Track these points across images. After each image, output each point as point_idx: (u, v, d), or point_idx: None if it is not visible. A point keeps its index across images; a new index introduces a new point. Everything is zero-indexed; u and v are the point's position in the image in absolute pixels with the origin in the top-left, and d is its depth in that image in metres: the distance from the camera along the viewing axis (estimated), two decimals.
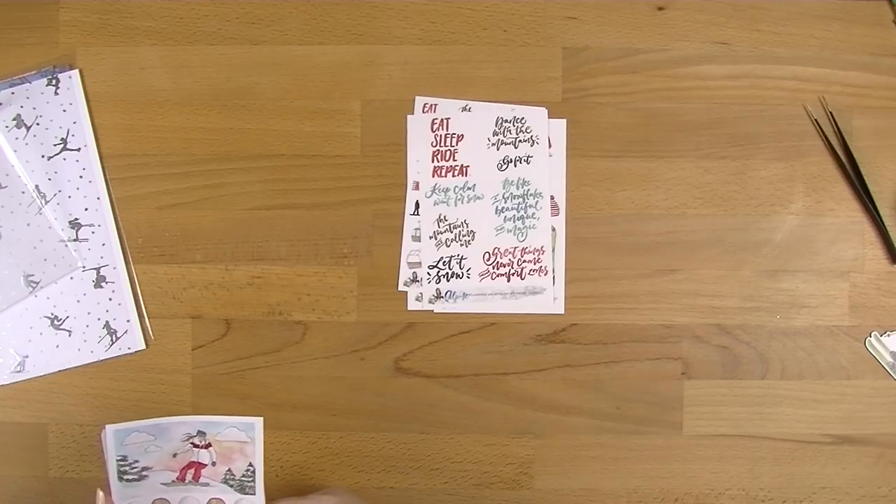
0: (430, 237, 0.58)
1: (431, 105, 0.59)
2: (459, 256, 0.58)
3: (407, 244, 0.58)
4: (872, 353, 0.58)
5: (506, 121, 0.58)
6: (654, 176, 0.59)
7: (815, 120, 0.59)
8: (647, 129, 0.59)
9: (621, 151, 0.59)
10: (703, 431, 0.58)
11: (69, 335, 0.58)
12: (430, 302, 0.58)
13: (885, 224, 0.58)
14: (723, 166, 0.59)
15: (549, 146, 0.58)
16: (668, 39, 0.59)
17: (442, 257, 0.58)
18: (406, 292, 0.58)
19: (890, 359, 0.58)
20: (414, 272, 0.58)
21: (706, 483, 0.58)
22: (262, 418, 0.48)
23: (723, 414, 0.58)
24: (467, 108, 0.58)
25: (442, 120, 0.58)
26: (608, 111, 0.59)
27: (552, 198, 0.58)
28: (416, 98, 0.59)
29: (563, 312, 0.58)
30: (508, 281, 0.58)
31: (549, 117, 0.58)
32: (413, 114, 0.59)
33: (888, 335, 0.58)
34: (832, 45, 0.59)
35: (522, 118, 0.58)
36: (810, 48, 0.59)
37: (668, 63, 0.59)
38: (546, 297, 0.58)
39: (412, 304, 0.58)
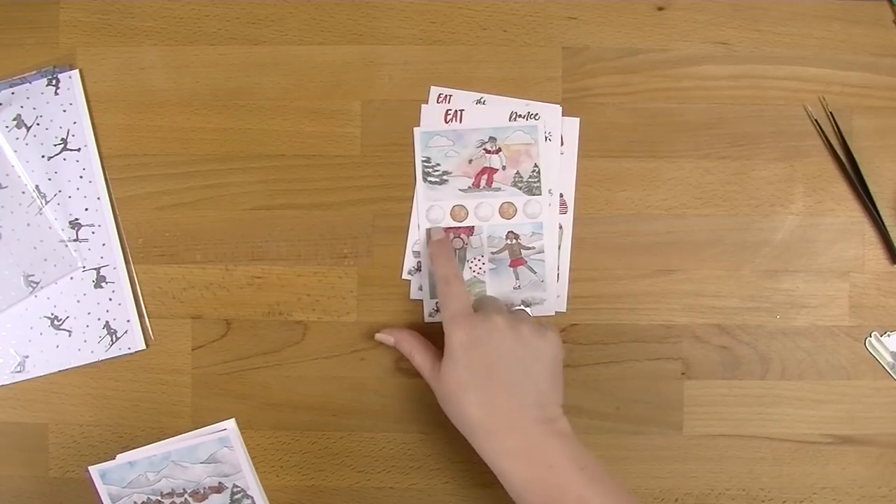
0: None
1: (446, 96, 0.58)
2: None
3: (413, 233, 0.58)
4: (872, 353, 0.58)
5: (520, 115, 0.58)
6: (654, 176, 0.59)
7: (815, 120, 0.59)
8: (647, 129, 0.59)
9: (621, 151, 0.59)
10: (703, 431, 0.58)
11: (69, 335, 0.58)
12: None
13: (885, 224, 0.58)
14: (723, 166, 0.59)
15: (562, 143, 0.58)
16: (668, 39, 0.59)
17: None
18: (409, 281, 0.58)
19: (890, 359, 0.58)
20: (418, 261, 0.58)
21: (706, 483, 0.58)
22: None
23: (723, 414, 0.58)
24: (482, 100, 0.58)
25: (456, 111, 0.58)
26: (608, 111, 0.59)
27: (561, 195, 0.58)
28: (431, 87, 0.58)
29: (564, 311, 0.58)
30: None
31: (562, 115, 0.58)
32: (427, 103, 0.59)
33: (888, 335, 0.58)
34: (832, 45, 0.59)
35: (536, 114, 0.58)
36: (810, 48, 0.59)
37: (668, 63, 0.59)
38: (546, 307, 0.58)
39: (414, 294, 0.58)
